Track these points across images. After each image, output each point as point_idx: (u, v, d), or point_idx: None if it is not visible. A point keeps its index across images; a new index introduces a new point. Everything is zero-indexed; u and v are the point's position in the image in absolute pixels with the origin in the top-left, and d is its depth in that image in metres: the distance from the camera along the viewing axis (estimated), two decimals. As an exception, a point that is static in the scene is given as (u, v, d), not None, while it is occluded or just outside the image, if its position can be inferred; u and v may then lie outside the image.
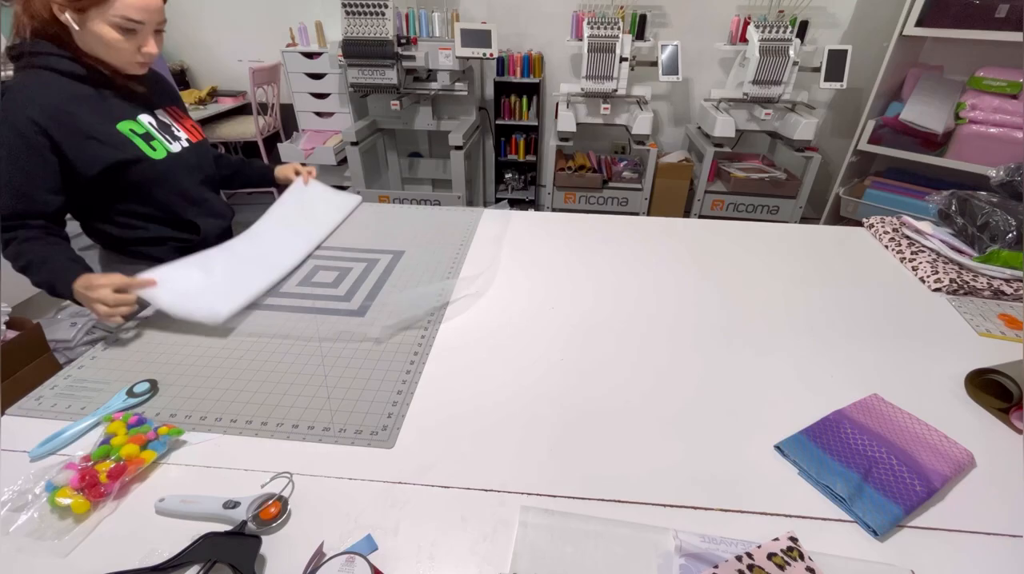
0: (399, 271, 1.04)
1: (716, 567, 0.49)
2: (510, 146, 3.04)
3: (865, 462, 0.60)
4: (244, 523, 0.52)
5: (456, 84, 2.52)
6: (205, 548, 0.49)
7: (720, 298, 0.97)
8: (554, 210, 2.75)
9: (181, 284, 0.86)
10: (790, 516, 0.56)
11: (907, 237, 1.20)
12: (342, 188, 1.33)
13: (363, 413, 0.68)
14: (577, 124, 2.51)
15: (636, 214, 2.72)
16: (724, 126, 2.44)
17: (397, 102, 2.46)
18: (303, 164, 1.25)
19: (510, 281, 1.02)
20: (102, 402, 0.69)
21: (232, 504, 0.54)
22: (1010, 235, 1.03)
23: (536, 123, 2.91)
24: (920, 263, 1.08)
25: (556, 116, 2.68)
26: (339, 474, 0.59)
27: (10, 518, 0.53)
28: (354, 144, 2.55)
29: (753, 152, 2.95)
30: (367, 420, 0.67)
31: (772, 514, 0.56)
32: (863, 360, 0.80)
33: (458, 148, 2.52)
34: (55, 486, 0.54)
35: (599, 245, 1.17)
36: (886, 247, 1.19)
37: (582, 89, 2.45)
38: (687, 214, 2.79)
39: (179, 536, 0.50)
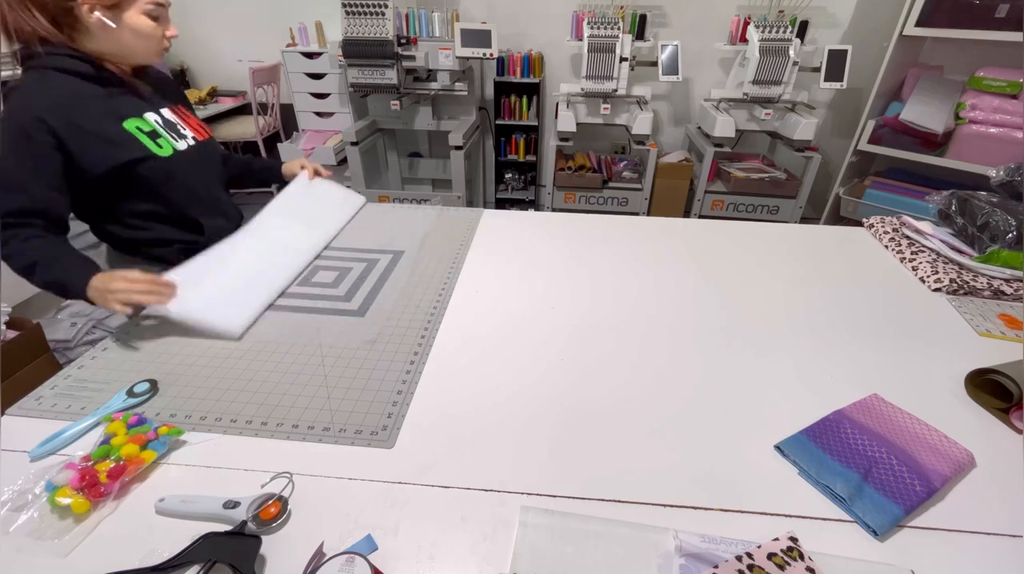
0: (399, 271, 1.04)
1: (716, 567, 0.49)
2: (510, 146, 3.04)
3: (865, 462, 0.60)
4: (244, 523, 0.52)
5: (456, 84, 2.52)
6: (205, 548, 0.49)
7: (720, 298, 0.97)
8: (554, 210, 2.75)
9: (195, 294, 0.85)
10: (790, 516, 0.56)
11: (907, 237, 1.20)
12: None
13: (363, 413, 0.68)
14: (577, 124, 2.51)
15: (636, 214, 2.72)
16: (724, 126, 2.44)
17: (397, 102, 2.46)
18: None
19: (510, 281, 1.02)
20: (102, 402, 0.69)
21: (232, 504, 0.54)
22: (1010, 235, 1.03)
23: (536, 123, 2.91)
24: (920, 263, 1.08)
25: (556, 116, 2.68)
26: (339, 474, 0.59)
27: (10, 518, 0.53)
28: (354, 144, 2.55)
29: (753, 152, 2.95)
30: (367, 420, 0.67)
31: (772, 514, 0.56)
32: (863, 360, 0.80)
33: (458, 148, 2.52)
34: (55, 486, 0.54)
35: (599, 245, 1.17)
36: (886, 247, 1.19)
37: (582, 89, 2.45)
38: (687, 214, 2.79)
39: (179, 536, 0.51)
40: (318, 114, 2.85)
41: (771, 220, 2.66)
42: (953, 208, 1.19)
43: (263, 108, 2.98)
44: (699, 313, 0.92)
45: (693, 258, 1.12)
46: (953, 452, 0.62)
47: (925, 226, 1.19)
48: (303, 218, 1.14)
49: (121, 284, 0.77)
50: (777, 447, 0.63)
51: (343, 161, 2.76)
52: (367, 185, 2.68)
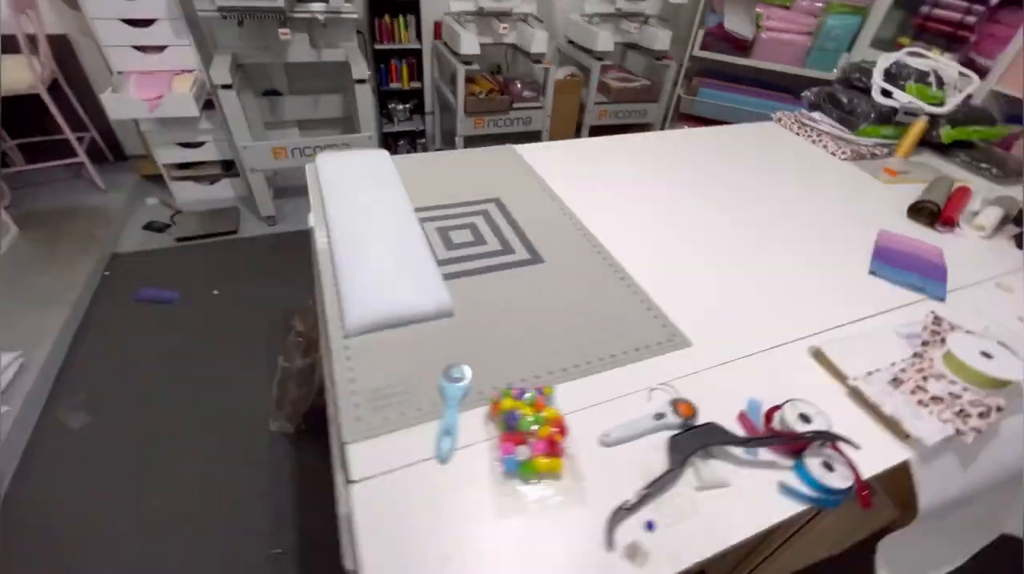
0: (516, 216, 1.07)
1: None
2: (391, 74, 2.81)
3: (917, 264, 1.01)
4: (685, 421, 0.65)
5: (345, 5, 2.17)
6: (683, 445, 0.62)
7: (718, 205, 1.29)
8: (465, 138, 2.73)
9: (375, 293, 0.79)
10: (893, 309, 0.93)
11: (806, 125, 1.69)
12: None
13: (638, 331, 0.80)
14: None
15: (539, 132, 2.90)
16: (605, 41, 2.70)
17: (287, 30, 2.03)
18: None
19: (604, 201, 1.16)
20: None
21: (660, 415, 0.65)
22: (872, 115, 1.58)
23: (419, 46, 2.73)
24: (827, 143, 1.58)
25: (439, 37, 2.55)
26: (694, 370, 0.74)
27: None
28: (227, 87, 2.05)
29: (611, 63, 3.32)
30: (651, 334, 0.80)
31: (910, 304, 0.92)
32: (846, 215, 1.23)
33: (361, 82, 2.26)
34: (521, 462, 0.58)
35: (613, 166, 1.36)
36: (796, 134, 1.66)
37: (481, 8, 2.38)
38: (579, 126, 3.09)
39: (631, 457, 0.61)
40: (140, 49, 2.14)
41: (641, 123, 3.14)
42: (823, 100, 1.71)
43: (32, 44, 2.09)
44: (714, 218, 1.23)
45: (673, 170, 1.41)
46: (933, 249, 1.08)
47: (816, 115, 1.69)
48: (372, 186, 1.07)
49: None
50: (872, 272, 1.00)
51: (208, 106, 2.20)
52: (254, 138, 2.22)
